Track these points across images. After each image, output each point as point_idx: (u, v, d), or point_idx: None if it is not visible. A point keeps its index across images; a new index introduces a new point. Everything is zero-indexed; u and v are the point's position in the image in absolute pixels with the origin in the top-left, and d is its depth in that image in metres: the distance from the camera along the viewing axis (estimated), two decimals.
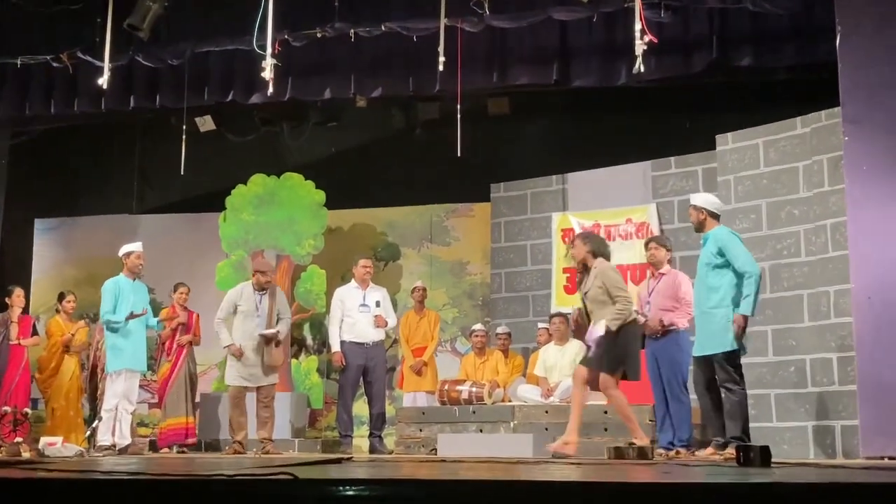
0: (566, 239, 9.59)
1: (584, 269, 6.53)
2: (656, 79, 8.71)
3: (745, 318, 6.45)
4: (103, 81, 8.39)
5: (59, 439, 7.86)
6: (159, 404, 9.40)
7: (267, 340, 8.23)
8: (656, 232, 8.92)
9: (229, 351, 8.20)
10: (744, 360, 6.68)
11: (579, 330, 9.08)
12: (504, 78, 9.02)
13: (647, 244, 7.40)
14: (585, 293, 6.42)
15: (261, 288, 8.30)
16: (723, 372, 6.56)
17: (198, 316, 9.45)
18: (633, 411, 6.61)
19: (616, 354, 6.37)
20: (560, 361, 8.54)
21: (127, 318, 8.09)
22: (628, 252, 9.17)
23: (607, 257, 6.60)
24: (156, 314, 9.34)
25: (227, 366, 8.29)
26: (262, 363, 8.21)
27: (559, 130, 10.92)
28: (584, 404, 6.58)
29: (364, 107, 10.73)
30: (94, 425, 8.00)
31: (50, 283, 11.77)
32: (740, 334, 6.42)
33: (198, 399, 9.93)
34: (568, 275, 9.50)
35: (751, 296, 6.40)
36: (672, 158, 9.21)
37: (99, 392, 9.25)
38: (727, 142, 8.49)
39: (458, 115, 8.36)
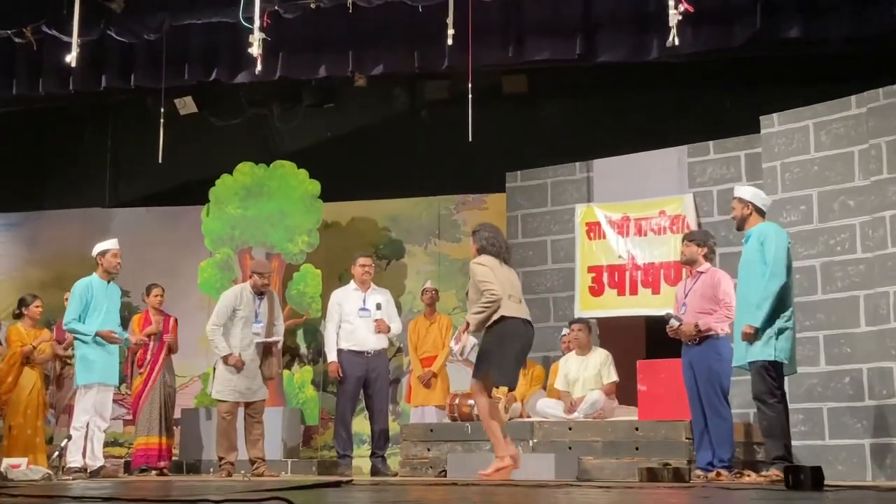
0: (591, 234, 9.58)
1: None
2: (692, 53, 8.67)
3: (755, 329, 6.58)
4: (71, 59, 8.39)
5: (23, 461, 7.86)
6: (133, 421, 9.40)
7: (266, 350, 8.22)
8: (693, 225, 8.88)
9: (227, 362, 8.18)
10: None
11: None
12: (521, 53, 8.99)
13: (683, 240, 7.38)
14: (466, 293, 6.70)
15: (259, 292, 8.29)
16: (760, 383, 6.57)
17: (175, 321, 9.44)
18: (500, 426, 6.69)
19: (481, 354, 6.45)
20: (583, 374, 8.53)
21: (98, 335, 8.07)
22: (662, 248, 9.13)
23: (499, 255, 6.69)
24: (128, 320, 9.33)
25: (217, 378, 8.27)
26: (262, 374, 8.21)
27: (583, 112, 10.89)
28: (495, 416, 6.72)
29: (363, 86, 10.71)
30: (63, 444, 7.99)
31: (12, 285, 11.79)
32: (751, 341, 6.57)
33: (178, 415, 9.93)
34: (594, 274, 9.48)
35: (766, 304, 6.51)
36: (711, 143, 9.17)
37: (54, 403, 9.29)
38: (773, 123, 8.44)
39: (470, 95, 8.33)
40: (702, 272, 7.18)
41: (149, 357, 9.20)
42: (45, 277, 11.77)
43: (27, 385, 9.06)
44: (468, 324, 8.04)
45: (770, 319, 6.57)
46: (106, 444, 8.88)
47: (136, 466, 9.07)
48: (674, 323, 7.05)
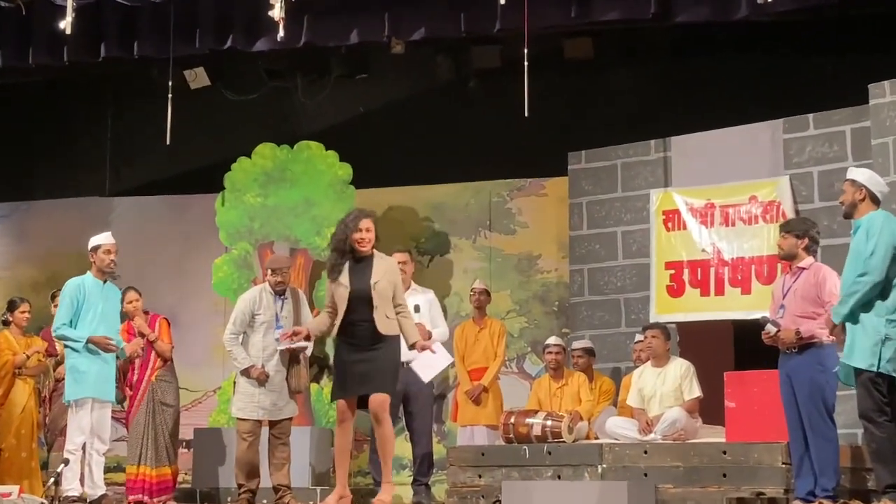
0: (669, 225, 9.52)
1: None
2: (788, 10, 8.58)
3: (835, 326, 6.61)
4: (65, 25, 8.45)
5: (14, 489, 7.93)
6: None
7: (292, 359, 8.27)
8: (790, 213, 8.80)
9: (250, 375, 8.20)
10: None
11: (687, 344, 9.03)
12: (586, 13, 8.94)
13: (780, 231, 7.30)
14: (376, 282, 6.83)
15: (278, 291, 8.33)
16: (867, 398, 6.52)
17: (164, 321, 9.41)
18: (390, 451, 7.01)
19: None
20: (660, 388, 8.48)
21: (91, 342, 8.11)
22: (753, 240, 9.06)
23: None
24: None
25: (238, 393, 8.29)
26: (288, 388, 8.25)
27: (659, 81, 10.82)
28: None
29: (401, 53, 10.71)
30: (59, 470, 8.06)
31: (0, 286, 11.94)
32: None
33: (190, 436, 10.00)
34: (672, 271, 9.42)
35: (851, 300, 6.52)
36: (810, 116, 9.08)
37: (47, 423, 9.33)
38: (884, 92, 8.34)
39: (525, 63, 8.30)
40: (803, 268, 7.10)
41: (136, 375, 9.16)
42: (37, 277, 11.87)
43: (19, 401, 9.04)
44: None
45: (854, 318, 6.53)
46: (107, 470, 8.94)
47: (132, 498, 9.06)
48: (770, 329, 6.98)
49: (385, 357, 6.87)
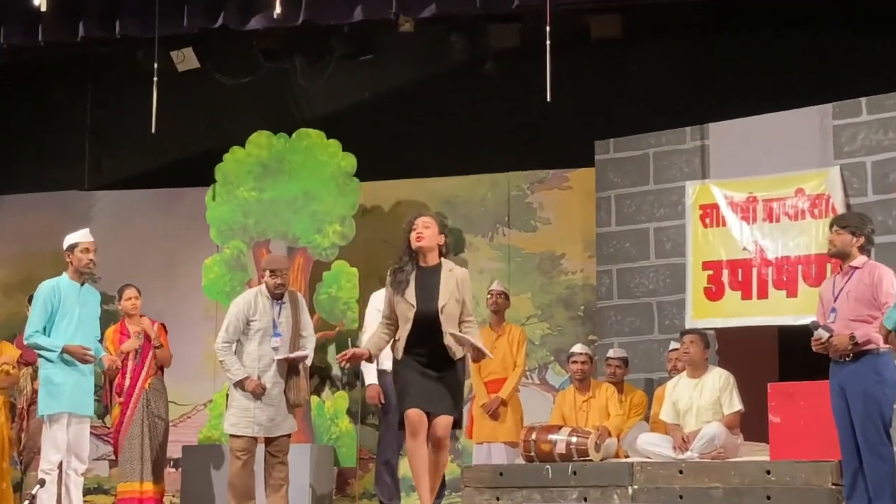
0: (706, 220, 9.48)
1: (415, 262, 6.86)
2: None
3: (888, 331, 6.59)
4: (40, 2, 8.43)
5: None
6: (118, 462, 9.45)
7: (291, 369, 8.24)
8: (840, 207, 8.76)
9: (244, 387, 8.20)
10: None
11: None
12: None
13: (831, 226, 7.24)
14: (444, 306, 6.76)
15: (276, 295, 8.30)
16: None
17: (162, 326, 9.46)
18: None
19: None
20: (697, 401, 8.47)
21: (66, 351, 8.07)
22: (800, 238, 9.03)
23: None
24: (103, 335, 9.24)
25: (230, 407, 8.30)
26: (286, 402, 8.22)
27: (694, 61, 10.78)
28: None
29: (410, 32, 10.68)
30: (33, 492, 8.04)
31: None
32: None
33: (177, 454, 9.98)
34: (710, 272, 9.38)
35: None
36: (863, 100, 9.04)
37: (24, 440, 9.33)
38: None
39: (548, 42, 8.27)
40: (856, 267, 7.05)
41: (127, 380, 9.21)
42: (10, 279, 11.91)
43: None
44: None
45: None
46: (87, 491, 8.95)
47: None
48: (822, 334, 6.92)
49: (452, 380, 6.87)
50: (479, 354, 6.88)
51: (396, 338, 6.84)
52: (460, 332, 6.79)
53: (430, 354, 6.77)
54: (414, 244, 6.82)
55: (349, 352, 7.00)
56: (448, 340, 6.72)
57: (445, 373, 6.80)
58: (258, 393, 8.15)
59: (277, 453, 8.27)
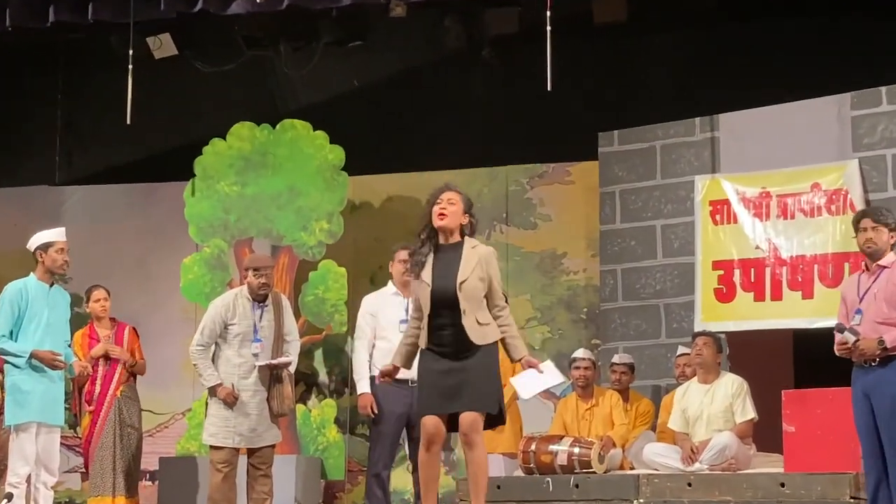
0: (717, 217, 9.49)
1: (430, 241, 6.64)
2: None
3: None
4: None
5: None
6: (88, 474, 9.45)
7: (273, 375, 8.24)
8: (859, 203, 8.76)
9: (217, 394, 8.20)
10: None
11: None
12: None
13: (857, 221, 7.12)
14: (463, 282, 6.47)
15: (258, 296, 8.30)
16: None
17: (133, 330, 9.45)
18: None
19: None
20: (708, 408, 8.49)
21: (35, 356, 8.03)
22: (816, 236, 9.05)
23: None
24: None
25: (210, 416, 8.29)
26: (270, 411, 8.24)
27: (705, 48, 10.78)
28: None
29: (403, 17, 10.67)
30: None
31: None
32: None
33: (153, 466, 9.96)
34: (721, 272, 9.39)
35: None
36: (883, 89, 9.06)
37: None
38: None
39: (548, 28, 8.27)
40: (884, 267, 6.94)
41: (98, 388, 9.20)
42: None
43: None
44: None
45: None
46: None
47: None
48: (848, 337, 6.84)
49: (477, 366, 6.49)
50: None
51: (422, 326, 6.57)
52: (494, 315, 6.53)
53: (451, 341, 6.49)
54: (436, 222, 6.58)
55: (381, 374, 6.89)
56: (468, 322, 6.43)
57: (469, 361, 6.48)
58: (230, 401, 8.14)
59: (261, 465, 8.26)
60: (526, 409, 9.69)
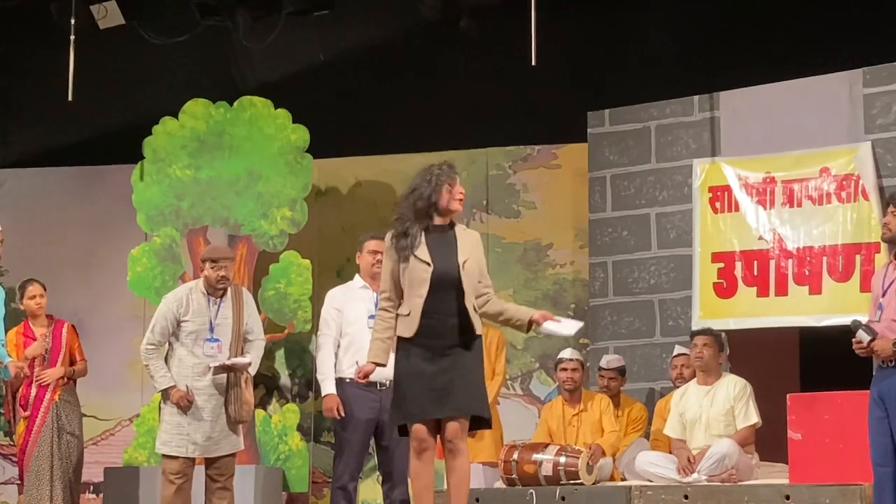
0: (717, 205, 9.54)
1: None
2: None
3: None
4: None
5: None
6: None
7: (230, 378, 8.26)
8: (871, 189, 8.82)
9: (169, 397, 8.20)
10: None
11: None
12: None
13: (886, 205, 7.09)
14: (465, 261, 6.59)
15: (216, 290, 8.33)
16: None
17: (72, 328, 9.45)
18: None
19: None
20: (707, 412, 8.53)
21: None
22: (826, 225, 9.10)
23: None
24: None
25: (162, 423, 8.29)
26: (227, 417, 8.26)
27: (704, 19, 10.79)
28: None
29: None
30: None
31: None
32: None
33: (97, 478, 9.96)
34: (721, 265, 9.44)
35: None
36: None
37: None
38: None
39: None
40: None
41: (33, 391, 9.19)
42: None
43: None
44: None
45: None
46: None
47: None
48: (863, 336, 6.85)
49: (466, 365, 6.55)
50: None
51: (405, 313, 6.58)
52: (482, 300, 6.66)
53: (443, 330, 6.52)
54: (455, 207, 6.67)
55: (360, 374, 6.86)
56: (469, 305, 6.49)
57: (459, 357, 6.53)
58: (183, 405, 8.13)
59: (219, 477, 8.26)
60: (507, 414, 9.73)
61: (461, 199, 6.71)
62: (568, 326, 6.91)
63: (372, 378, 8.17)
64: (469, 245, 6.66)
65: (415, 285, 6.55)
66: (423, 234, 6.63)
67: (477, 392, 6.62)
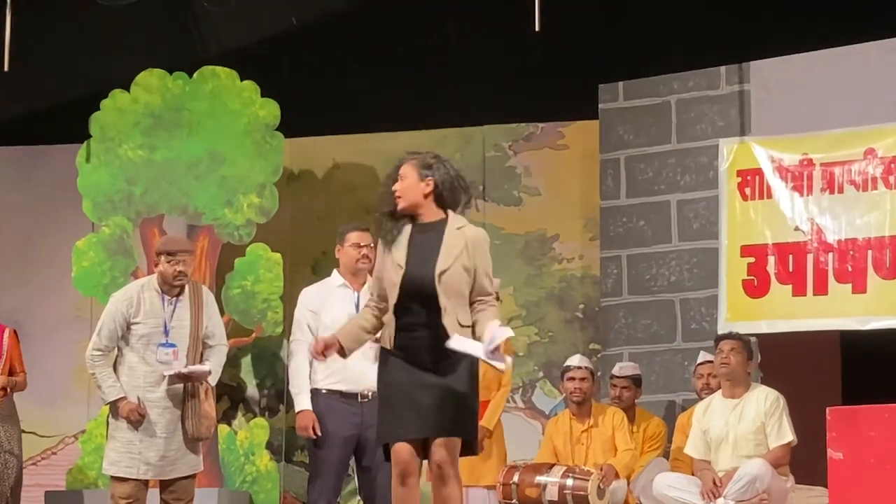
0: (746, 191, 9.54)
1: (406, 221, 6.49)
2: None
3: None
4: None
5: None
6: None
7: (188, 389, 8.25)
8: None
9: (119, 411, 8.18)
10: None
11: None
12: None
13: None
14: (443, 272, 6.35)
15: (172, 287, 8.33)
16: None
17: (13, 334, 9.44)
18: None
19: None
20: (735, 428, 8.52)
21: None
22: (871, 214, 9.12)
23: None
24: None
25: (111, 440, 8.28)
26: (184, 433, 8.24)
27: None
28: None
29: None
30: None
31: None
32: None
33: (34, 501, 9.95)
34: (751, 259, 9.46)
35: None
36: None
37: None
38: None
39: None
40: None
41: None
42: None
43: None
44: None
45: None
46: None
47: None
48: None
49: (456, 381, 6.39)
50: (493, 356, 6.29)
51: (385, 320, 6.48)
52: (472, 312, 6.42)
53: (425, 346, 6.39)
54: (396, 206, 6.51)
55: (319, 345, 6.61)
56: (449, 322, 6.29)
57: (447, 372, 6.38)
58: (134, 419, 8.12)
59: (175, 502, 8.25)
60: (508, 430, 9.69)
61: (396, 197, 6.49)
62: (474, 346, 6.79)
63: (353, 389, 8.23)
64: (457, 249, 6.43)
65: (387, 288, 6.46)
66: (409, 226, 6.51)
67: (467, 412, 6.50)
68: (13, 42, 9.42)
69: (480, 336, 6.30)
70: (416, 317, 6.38)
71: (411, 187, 6.48)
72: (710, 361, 8.99)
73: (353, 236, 8.40)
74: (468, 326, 6.37)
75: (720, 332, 9.12)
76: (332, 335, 6.64)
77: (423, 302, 6.35)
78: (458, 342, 6.25)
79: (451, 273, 6.36)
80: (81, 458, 10.78)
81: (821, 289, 9.21)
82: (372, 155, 11.42)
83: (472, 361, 6.43)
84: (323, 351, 6.57)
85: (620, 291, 10.09)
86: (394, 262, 6.40)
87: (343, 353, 6.60)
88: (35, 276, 11.25)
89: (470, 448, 6.55)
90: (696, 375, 9.27)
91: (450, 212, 6.51)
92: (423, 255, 6.39)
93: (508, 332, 6.29)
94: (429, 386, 6.34)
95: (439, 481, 6.48)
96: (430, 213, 6.49)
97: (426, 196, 6.50)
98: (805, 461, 8.43)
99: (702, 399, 8.95)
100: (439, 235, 6.43)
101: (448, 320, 6.31)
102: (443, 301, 6.31)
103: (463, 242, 6.42)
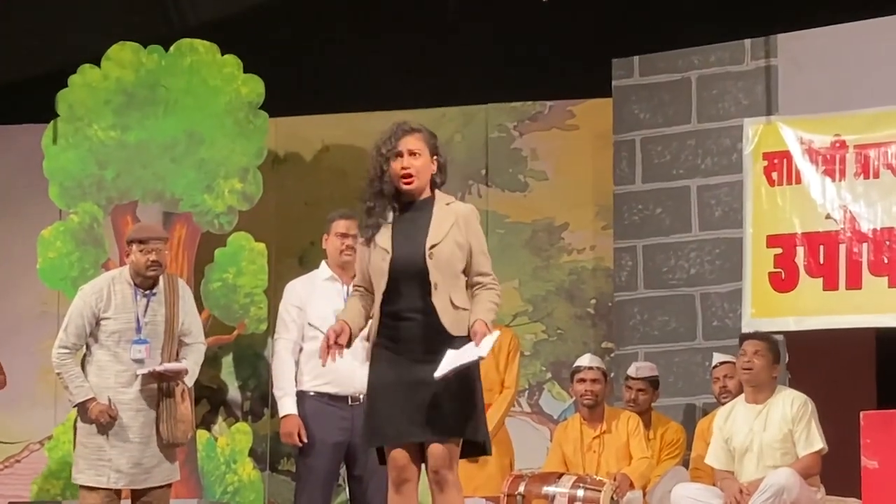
0: (773, 175, 9.56)
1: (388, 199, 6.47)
2: None
3: None
4: None
5: None
6: None
7: (162, 389, 8.25)
8: None
9: (88, 413, 8.19)
10: None
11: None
12: None
13: None
14: (434, 245, 6.34)
15: (145, 279, 8.32)
16: None
17: None
18: None
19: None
20: (760, 436, 8.52)
21: None
22: None
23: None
24: None
25: (80, 447, 8.31)
26: (158, 438, 8.24)
27: None
28: None
29: None
30: None
31: None
32: None
33: None
34: (779, 250, 9.47)
35: None
36: None
37: None
38: None
39: None
40: None
41: None
42: None
43: None
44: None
45: None
46: None
47: None
48: None
49: (453, 377, 6.31)
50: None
51: (372, 314, 6.47)
52: (471, 295, 6.42)
53: (414, 335, 6.38)
54: (400, 186, 6.46)
55: (330, 335, 6.48)
56: (440, 301, 6.29)
57: (439, 364, 6.28)
58: (104, 422, 8.13)
59: None
60: (517, 435, 9.73)
61: (406, 178, 6.46)
62: (466, 354, 6.74)
63: (342, 391, 8.25)
64: (447, 224, 6.44)
65: (376, 278, 6.44)
66: (392, 213, 6.50)
67: (467, 410, 6.46)
68: None
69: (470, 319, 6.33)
70: (406, 301, 6.37)
71: (426, 167, 6.49)
72: (729, 362, 8.99)
73: (339, 225, 8.42)
74: (463, 309, 6.35)
75: (744, 329, 9.17)
76: (340, 320, 6.57)
77: (413, 283, 6.35)
78: (450, 362, 6.24)
79: (443, 247, 6.37)
80: (48, 467, 10.79)
81: (854, 282, 9.23)
82: (364, 136, 11.34)
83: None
84: (336, 339, 6.47)
85: (635, 285, 10.10)
86: (379, 250, 6.39)
87: (350, 341, 6.54)
88: None
89: (480, 449, 6.54)
90: (712, 378, 9.27)
91: (436, 191, 6.51)
92: (411, 232, 6.40)
93: (494, 336, 6.29)
94: (422, 382, 6.29)
95: (437, 487, 6.49)
96: (422, 193, 6.51)
97: (431, 175, 6.52)
98: (837, 470, 8.43)
99: (721, 403, 8.95)
100: (428, 213, 6.44)
101: (439, 299, 6.30)
102: (434, 276, 6.30)
103: (453, 218, 6.43)
